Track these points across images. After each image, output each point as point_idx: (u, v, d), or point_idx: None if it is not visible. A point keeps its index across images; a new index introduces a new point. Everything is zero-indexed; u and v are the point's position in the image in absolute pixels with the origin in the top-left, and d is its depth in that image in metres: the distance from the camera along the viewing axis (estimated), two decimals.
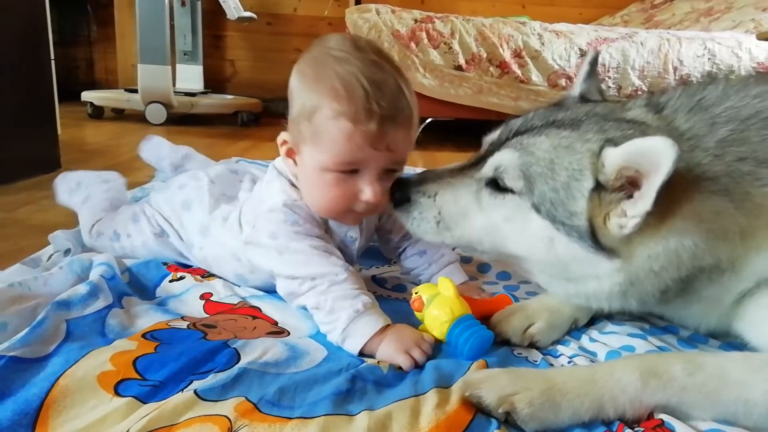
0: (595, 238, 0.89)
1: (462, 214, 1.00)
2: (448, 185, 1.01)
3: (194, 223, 1.27)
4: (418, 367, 0.93)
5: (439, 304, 1.01)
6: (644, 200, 0.83)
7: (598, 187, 0.88)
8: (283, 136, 1.12)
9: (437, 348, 1.00)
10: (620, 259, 0.89)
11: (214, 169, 1.42)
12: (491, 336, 1.00)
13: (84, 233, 1.38)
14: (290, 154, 1.13)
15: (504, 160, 0.95)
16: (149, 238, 1.31)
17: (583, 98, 1.10)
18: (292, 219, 1.09)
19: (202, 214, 1.27)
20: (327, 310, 1.00)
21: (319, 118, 1.02)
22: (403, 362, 0.93)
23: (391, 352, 0.95)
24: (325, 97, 1.01)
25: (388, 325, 0.99)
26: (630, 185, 0.86)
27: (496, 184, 0.97)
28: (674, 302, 0.96)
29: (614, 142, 0.87)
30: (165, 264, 1.29)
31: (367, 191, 1.05)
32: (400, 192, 1.04)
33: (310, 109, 1.03)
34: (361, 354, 0.97)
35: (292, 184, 1.14)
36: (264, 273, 1.14)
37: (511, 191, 0.95)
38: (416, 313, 1.05)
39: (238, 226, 1.20)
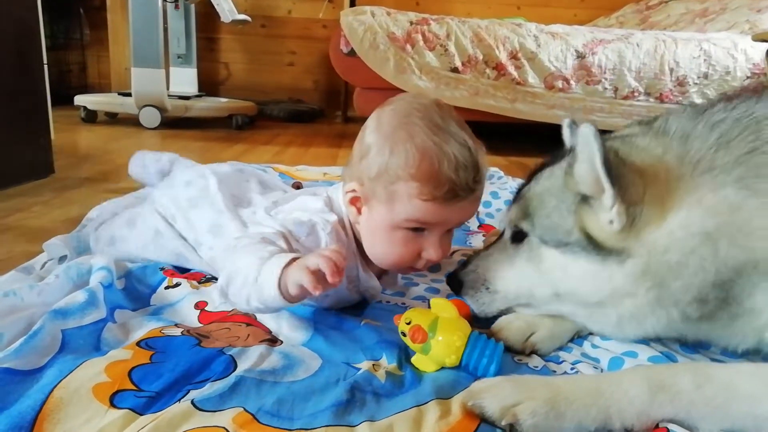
0: (597, 246, 0.92)
1: (500, 271, 1.09)
2: (485, 255, 1.13)
3: (204, 221, 1.26)
4: (324, 286, 0.89)
5: (446, 330, 0.93)
6: (603, 184, 0.87)
7: (583, 199, 0.93)
8: (351, 185, 1.09)
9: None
10: (632, 259, 0.90)
11: (220, 168, 1.40)
12: (503, 346, 0.96)
13: (91, 230, 1.39)
14: (354, 202, 1.10)
15: (512, 211, 1.06)
16: (146, 242, 1.30)
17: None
18: (300, 229, 1.08)
19: (213, 213, 1.25)
20: (238, 274, 0.97)
21: (400, 187, 1.02)
22: (303, 277, 0.88)
23: (293, 274, 0.90)
24: (408, 169, 1.00)
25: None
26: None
27: (516, 238, 1.06)
28: (719, 318, 0.92)
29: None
30: (162, 269, 1.27)
31: (431, 251, 1.07)
32: (454, 280, 1.15)
33: (391, 176, 1.02)
34: (282, 294, 0.92)
35: (343, 228, 1.13)
36: None
37: (524, 234, 1.03)
38: (414, 345, 0.94)
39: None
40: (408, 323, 0.95)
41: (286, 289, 0.92)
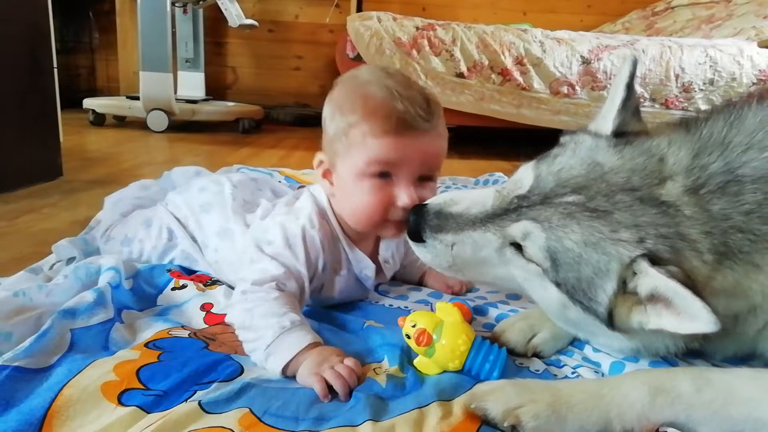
0: (611, 320, 0.87)
1: (479, 263, 0.97)
2: (468, 238, 0.96)
3: (213, 225, 1.29)
4: (335, 393, 0.86)
5: (450, 334, 0.93)
6: (671, 326, 0.81)
7: (624, 283, 0.85)
8: (319, 156, 1.14)
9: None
10: (638, 337, 0.90)
11: (235, 176, 1.44)
12: (506, 352, 0.97)
13: (98, 234, 1.41)
14: (326, 174, 1.14)
15: (529, 234, 0.90)
16: (161, 243, 1.33)
17: (618, 134, 0.98)
18: (295, 243, 1.10)
19: (222, 217, 1.28)
20: (252, 329, 0.97)
21: (353, 133, 1.04)
22: (314, 384, 0.86)
23: (306, 373, 0.89)
24: (357, 113, 1.04)
25: (317, 344, 0.95)
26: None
27: (521, 247, 0.93)
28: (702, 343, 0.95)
29: (650, 258, 0.82)
30: (169, 270, 1.29)
31: (403, 196, 1.05)
32: (416, 227, 1.00)
33: (344, 128, 1.06)
34: (285, 375, 0.92)
35: (322, 216, 1.14)
36: None
37: (535, 263, 0.91)
38: (418, 348, 0.94)
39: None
40: (413, 326, 0.95)
41: (291, 373, 0.92)
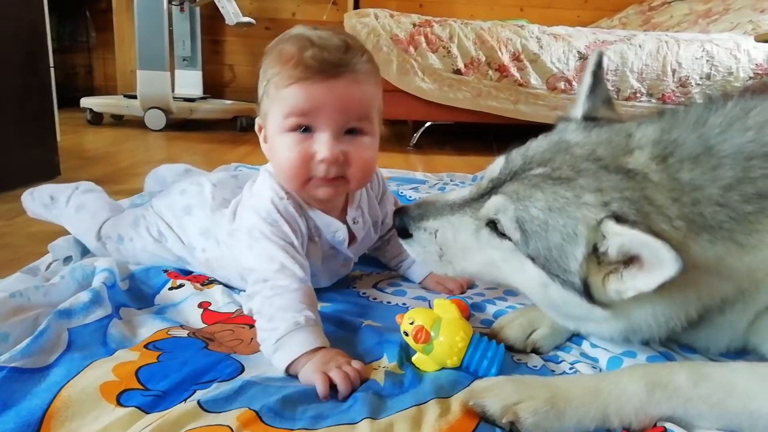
0: (590, 294, 0.86)
1: (462, 251, 0.99)
2: (447, 223, 1.00)
3: (196, 226, 1.28)
4: (336, 391, 0.85)
5: (449, 331, 0.92)
6: (643, 284, 0.81)
7: (595, 250, 0.85)
8: (257, 121, 1.16)
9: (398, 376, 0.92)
10: (616, 311, 0.89)
11: (215, 175, 1.43)
12: (504, 348, 0.97)
13: (89, 239, 1.38)
14: (267, 139, 1.15)
15: (500, 208, 0.92)
16: (148, 243, 1.32)
17: (588, 118, 1.02)
18: (273, 218, 1.09)
19: (204, 217, 1.27)
20: (267, 317, 0.97)
21: (270, 89, 1.05)
22: (318, 381, 0.85)
23: (310, 371, 0.88)
24: (273, 67, 1.04)
25: (323, 348, 0.94)
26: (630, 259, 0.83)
27: (495, 225, 0.94)
28: (684, 334, 0.95)
29: (616, 217, 0.82)
30: (165, 271, 1.29)
31: (322, 149, 1.03)
32: (401, 224, 1.03)
33: (265, 85, 1.07)
34: (288, 372, 0.91)
35: (282, 187, 1.13)
36: None
37: (509, 238, 0.93)
38: (416, 345, 0.93)
39: (231, 218, 1.22)
40: (411, 323, 0.95)
41: (294, 371, 0.92)
